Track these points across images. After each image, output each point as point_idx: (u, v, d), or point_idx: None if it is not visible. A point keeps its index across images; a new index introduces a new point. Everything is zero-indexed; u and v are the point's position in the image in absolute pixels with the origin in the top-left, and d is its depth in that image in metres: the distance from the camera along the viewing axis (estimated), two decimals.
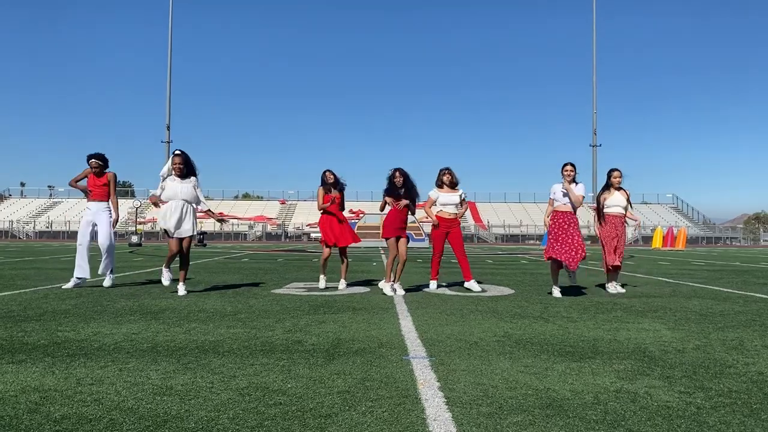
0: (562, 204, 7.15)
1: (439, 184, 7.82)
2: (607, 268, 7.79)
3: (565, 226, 7.08)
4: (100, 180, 7.75)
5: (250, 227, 61.89)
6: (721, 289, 8.31)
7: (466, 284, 7.65)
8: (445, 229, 7.75)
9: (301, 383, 2.96)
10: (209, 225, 56.88)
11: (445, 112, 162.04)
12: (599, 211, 7.88)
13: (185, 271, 7.14)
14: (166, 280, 7.15)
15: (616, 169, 7.89)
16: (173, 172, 7.04)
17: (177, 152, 7.00)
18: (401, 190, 7.28)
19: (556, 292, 7.12)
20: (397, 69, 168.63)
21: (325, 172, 7.79)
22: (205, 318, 5.09)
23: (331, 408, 2.57)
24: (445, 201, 7.69)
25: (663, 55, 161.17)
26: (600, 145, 78.30)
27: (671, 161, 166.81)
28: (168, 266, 7.14)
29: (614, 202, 7.79)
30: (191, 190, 7.06)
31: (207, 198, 72.52)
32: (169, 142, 74.20)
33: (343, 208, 7.86)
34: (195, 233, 7.10)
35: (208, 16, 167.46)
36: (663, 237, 36.40)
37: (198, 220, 7.25)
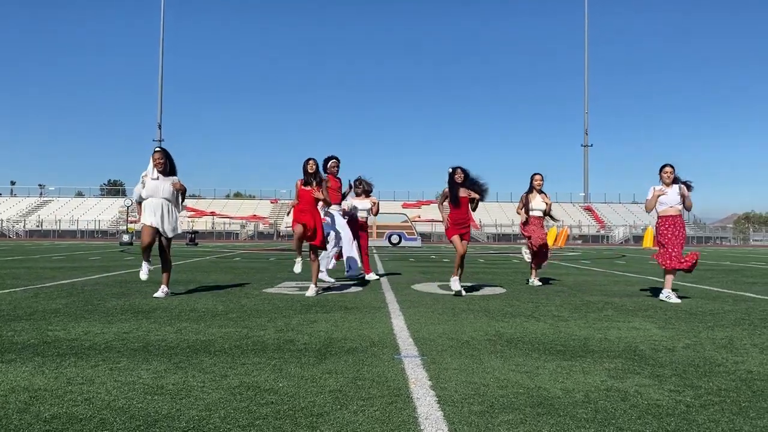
0: (669, 207, 6.89)
1: (357, 193, 9.23)
2: (534, 264, 8.56)
3: (679, 229, 6.92)
4: (335, 184, 8.53)
5: (242, 226, 61.68)
6: (711, 288, 8.37)
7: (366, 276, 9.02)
8: (358, 229, 8.98)
9: (292, 382, 2.96)
10: (201, 224, 56.66)
11: (437, 107, 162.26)
12: (526, 211, 8.51)
13: (168, 273, 6.80)
14: (144, 273, 6.78)
15: (538, 173, 8.55)
16: (155, 169, 6.63)
17: (157, 149, 6.68)
18: (459, 187, 7.21)
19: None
20: (391, 65, 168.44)
21: (307, 160, 7.04)
22: (196, 317, 5.08)
23: (323, 407, 2.58)
24: (357, 206, 9.14)
25: (655, 53, 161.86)
26: (591, 146, 78.82)
27: (661, 160, 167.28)
28: (147, 258, 6.76)
29: (536, 206, 8.49)
30: (172, 188, 6.66)
31: (198, 197, 72.72)
32: (160, 141, 73.99)
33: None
34: (174, 234, 6.68)
35: (199, 12, 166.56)
36: (654, 236, 36.65)
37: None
